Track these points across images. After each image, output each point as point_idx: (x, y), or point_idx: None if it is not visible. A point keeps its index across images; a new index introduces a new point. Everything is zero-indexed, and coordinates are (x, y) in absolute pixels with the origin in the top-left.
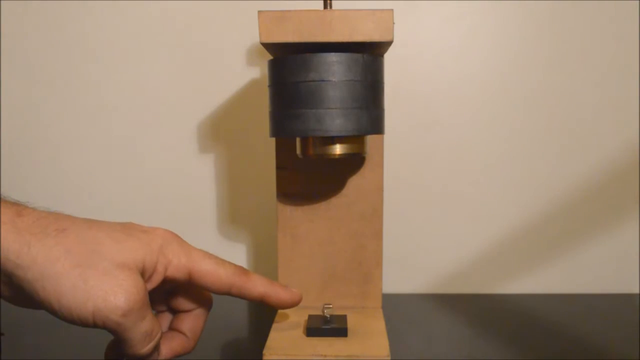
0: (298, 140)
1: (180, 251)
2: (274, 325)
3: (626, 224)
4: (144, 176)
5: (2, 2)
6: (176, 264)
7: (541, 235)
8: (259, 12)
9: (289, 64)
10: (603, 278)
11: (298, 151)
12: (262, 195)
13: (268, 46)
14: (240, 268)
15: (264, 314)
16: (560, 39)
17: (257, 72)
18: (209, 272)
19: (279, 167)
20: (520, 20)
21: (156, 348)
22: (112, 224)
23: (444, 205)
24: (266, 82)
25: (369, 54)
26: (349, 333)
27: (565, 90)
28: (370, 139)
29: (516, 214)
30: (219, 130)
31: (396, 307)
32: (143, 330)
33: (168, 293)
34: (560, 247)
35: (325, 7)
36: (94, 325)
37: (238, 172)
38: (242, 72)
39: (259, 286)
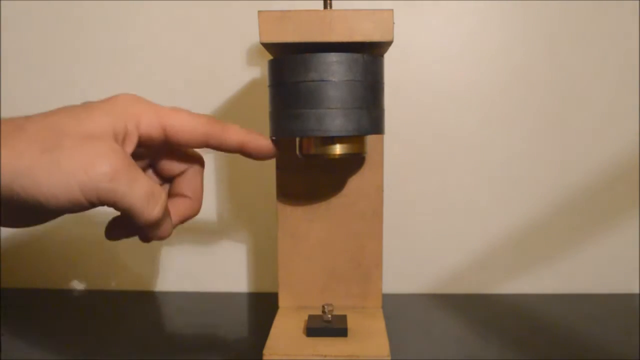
0: (298, 140)
1: (148, 108)
2: (274, 325)
3: (626, 224)
4: None
5: (2, 2)
6: (147, 121)
7: (541, 235)
8: (259, 12)
9: (289, 64)
10: (603, 278)
11: (298, 151)
12: (262, 195)
13: (268, 46)
14: (214, 118)
15: (264, 314)
16: (560, 40)
17: (257, 72)
18: (182, 124)
19: (279, 167)
20: (520, 21)
21: (166, 212)
22: (70, 107)
23: (444, 205)
24: (266, 82)
25: (369, 54)
26: (349, 333)
27: (566, 90)
28: (370, 139)
29: (516, 214)
30: None
31: (396, 307)
32: (142, 191)
33: (153, 161)
34: (560, 247)
35: (325, 7)
36: (90, 203)
37: (238, 172)
38: (242, 72)
39: (236, 134)
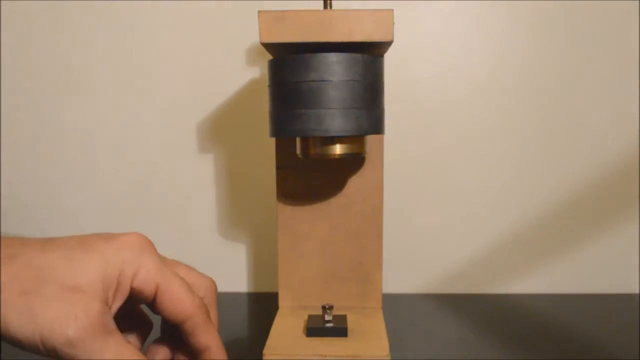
0: (298, 140)
1: (150, 261)
2: (274, 325)
3: (626, 224)
4: (144, 176)
5: (2, 2)
6: (144, 276)
7: (541, 235)
8: (259, 12)
9: (289, 64)
10: (603, 278)
11: (298, 151)
12: (262, 195)
13: (268, 46)
14: (205, 304)
15: (264, 314)
16: (560, 39)
17: (257, 72)
18: (177, 293)
19: (279, 167)
20: (520, 21)
21: None
22: (70, 240)
23: (444, 205)
24: (266, 82)
25: (368, 54)
26: (349, 333)
27: (566, 89)
28: (370, 139)
29: (516, 214)
30: (219, 130)
31: (396, 307)
32: None
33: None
34: (560, 247)
35: (325, 7)
36: (52, 356)
37: (238, 172)
38: (242, 72)
39: (212, 334)
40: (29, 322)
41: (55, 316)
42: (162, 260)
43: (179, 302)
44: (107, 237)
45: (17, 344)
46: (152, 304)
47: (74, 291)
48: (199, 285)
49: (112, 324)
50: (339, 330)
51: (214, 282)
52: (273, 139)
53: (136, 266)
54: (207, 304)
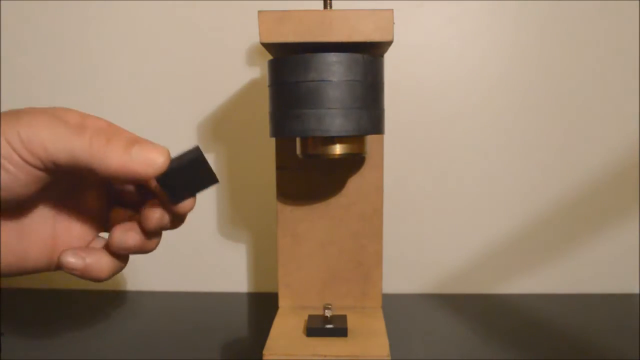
0: (298, 140)
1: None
2: (274, 325)
3: (626, 224)
4: None
5: (2, 2)
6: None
7: (541, 235)
8: (259, 12)
9: (289, 64)
10: (603, 278)
11: (298, 151)
12: (262, 195)
13: (268, 46)
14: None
15: (264, 314)
16: (560, 39)
17: (257, 72)
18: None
19: (279, 167)
20: (519, 21)
21: (122, 140)
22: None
23: (443, 205)
24: (266, 82)
25: (369, 54)
26: (349, 333)
27: (566, 90)
28: (370, 139)
29: (516, 214)
30: (219, 130)
31: (396, 307)
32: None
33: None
34: (560, 247)
35: (325, 7)
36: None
37: (238, 172)
38: (242, 72)
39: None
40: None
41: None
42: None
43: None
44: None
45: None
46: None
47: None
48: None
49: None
50: (339, 330)
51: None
52: (273, 139)
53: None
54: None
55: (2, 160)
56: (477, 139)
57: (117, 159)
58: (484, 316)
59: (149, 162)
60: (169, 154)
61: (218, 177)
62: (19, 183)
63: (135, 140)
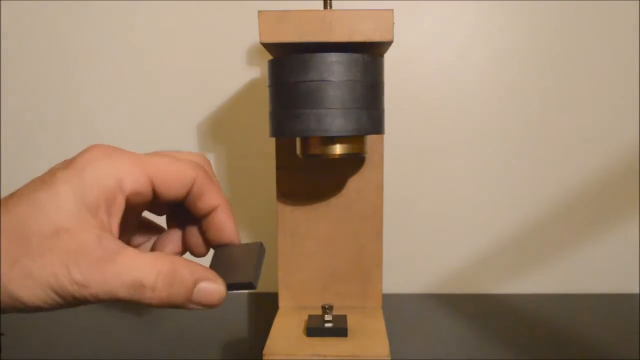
0: (298, 140)
1: (129, 161)
2: (274, 325)
3: (626, 224)
4: None
5: (2, 2)
6: (132, 178)
7: (541, 235)
8: (259, 12)
9: (289, 64)
10: (603, 278)
11: (298, 151)
12: (262, 195)
13: (268, 46)
14: (202, 166)
15: (264, 314)
16: (560, 40)
17: (257, 72)
18: (172, 169)
19: (279, 167)
20: (520, 21)
21: (183, 288)
22: (30, 185)
23: (444, 205)
24: (266, 82)
25: (369, 54)
26: (349, 333)
27: (566, 90)
28: (370, 139)
29: (516, 214)
30: (219, 130)
31: (396, 307)
32: (127, 280)
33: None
34: (560, 247)
35: (325, 7)
36: (74, 303)
37: (238, 172)
38: (242, 72)
39: (219, 192)
40: (35, 286)
41: (55, 268)
42: (137, 154)
43: (176, 174)
44: (65, 164)
45: (39, 309)
46: (154, 198)
47: (59, 234)
48: (191, 160)
49: (116, 243)
50: (339, 330)
51: (205, 156)
52: (273, 139)
53: (115, 174)
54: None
55: (49, 291)
56: (477, 138)
57: (180, 304)
58: (484, 316)
59: (210, 303)
60: (225, 288)
61: (218, 177)
62: (48, 305)
63: (193, 284)
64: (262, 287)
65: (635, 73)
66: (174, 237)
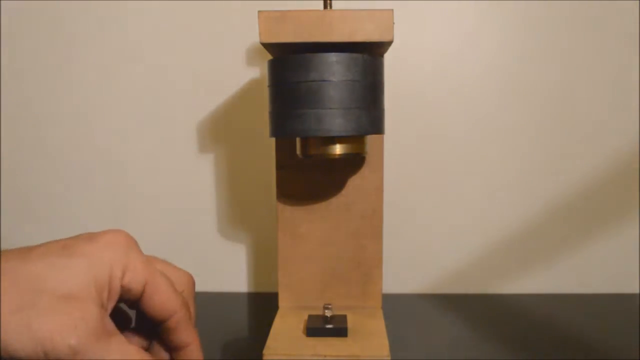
0: (298, 140)
1: (137, 259)
2: (274, 325)
3: (626, 224)
4: (143, 176)
5: (2, 2)
6: (133, 274)
7: (541, 235)
8: (259, 12)
9: (289, 64)
10: (603, 278)
11: (298, 151)
12: (262, 195)
13: (268, 46)
14: (186, 301)
15: (264, 314)
16: (560, 40)
17: (257, 72)
18: (164, 291)
19: (279, 167)
20: (520, 21)
21: None
22: (52, 247)
23: (444, 205)
24: (266, 82)
25: (369, 54)
26: (349, 333)
27: (566, 90)
28: (370, 139)
29: (516, 214)
30: (219, 130)
31: (396, 307)
32: None
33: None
34: (560, 247)
35: (325, 7)
36: None
37: (238, 172)
38: (242, 72)
39: (193, 332)
40: (29, 339)
41: (55, 328)
42: (146, 256)
43: (165, 299)
44: (89, 238)
45: None
46: (137, 301)
47: (69, 299)
48: (177, 281)
49: (112, 326)
50: (339, 330)
51: (191, 277)
52: (273, 139)
53: (124, 265)
54: (186, 298)
55: (38, 349)
56: (477, 138)
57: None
58: (484, 316)
59: None
60: None
61: (218, 176)
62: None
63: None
64: (262, 287)
65: (635, 73)
66: (142, 333)
